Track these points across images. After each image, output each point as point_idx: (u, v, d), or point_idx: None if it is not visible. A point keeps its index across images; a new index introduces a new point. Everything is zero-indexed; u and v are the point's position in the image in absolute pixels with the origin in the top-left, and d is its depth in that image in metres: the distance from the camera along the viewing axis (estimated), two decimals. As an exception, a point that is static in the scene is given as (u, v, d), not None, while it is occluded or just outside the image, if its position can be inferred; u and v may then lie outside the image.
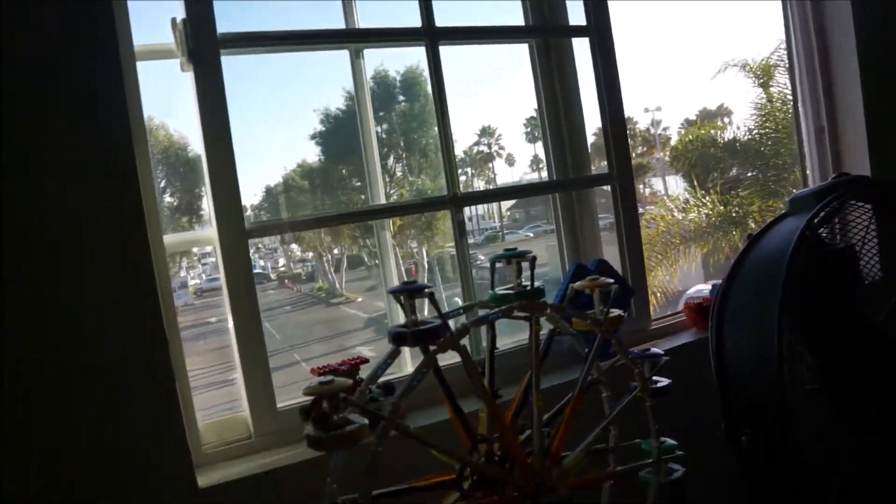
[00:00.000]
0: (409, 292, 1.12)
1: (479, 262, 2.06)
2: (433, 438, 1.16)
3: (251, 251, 1.69)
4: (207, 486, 1.54)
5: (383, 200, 2.00)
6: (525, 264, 1.23)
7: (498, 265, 1.27)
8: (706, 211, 7.44)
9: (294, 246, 7.32)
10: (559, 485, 1.18)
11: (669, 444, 1.40)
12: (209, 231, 1.71)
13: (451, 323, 1.23)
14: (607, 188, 2.13)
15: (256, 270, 2.13)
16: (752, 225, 7.02)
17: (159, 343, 1.50)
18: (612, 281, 1.33)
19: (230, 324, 1.68)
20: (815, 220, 1.53)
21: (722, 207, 7.46)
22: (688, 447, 1.42)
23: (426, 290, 1.11)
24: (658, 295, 6.91)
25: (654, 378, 1.38)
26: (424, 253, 6.20)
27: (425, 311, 1.17)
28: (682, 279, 6.97)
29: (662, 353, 1.38)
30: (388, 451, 1.60)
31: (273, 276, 7.26)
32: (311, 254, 7.65)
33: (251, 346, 1.67)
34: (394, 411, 1.07)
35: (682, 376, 1.51)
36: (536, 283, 1.24)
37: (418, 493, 1.21)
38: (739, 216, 7.33)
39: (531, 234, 7.82)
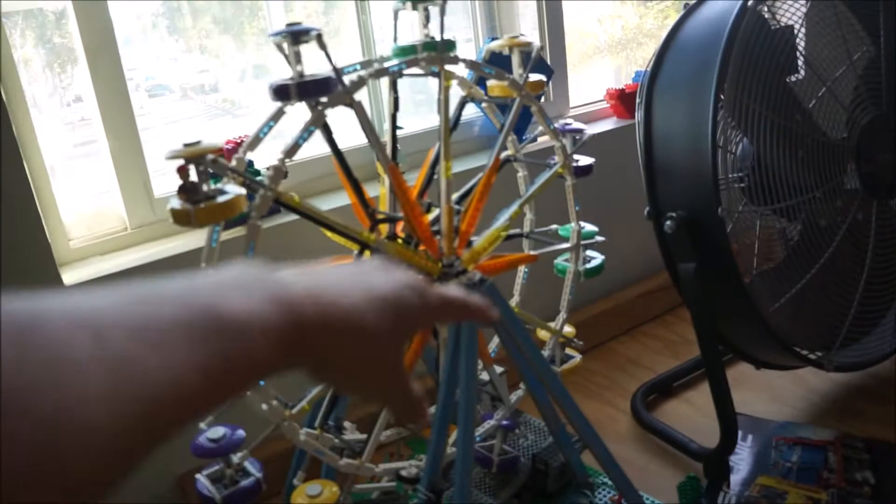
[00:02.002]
0: (293, 35, 0.91)
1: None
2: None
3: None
4: (75, 284, 1.38)
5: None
6: (434, 10, 1.02)
7: (401, 9, 1.05)
8: (622, 22, 7.21)
9: (197, 53, 6.83)
10: (468, 267, 1.05)
11: (589, 230, 1.28)
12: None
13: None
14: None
15: (156, 82, 1.90)
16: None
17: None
18: (532, 41, 1.15)
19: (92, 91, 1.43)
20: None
21: (638, 19, 7.23)
22: (608, 236, 1.31)
23: (313, 31, 0.91)
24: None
25: (576, 156, 1.24)
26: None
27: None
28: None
29: (585, 127, 1.23)
30: (274, 238, 1.44)
31: (175, 87, 6.79)
32: (214, 61, 7.15)
33: (118, 117, 1.44)
34: (274, 176, 0.90)
35: (603, 163, 1.38)
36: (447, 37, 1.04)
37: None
38: (654, 30, 7.13)
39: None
